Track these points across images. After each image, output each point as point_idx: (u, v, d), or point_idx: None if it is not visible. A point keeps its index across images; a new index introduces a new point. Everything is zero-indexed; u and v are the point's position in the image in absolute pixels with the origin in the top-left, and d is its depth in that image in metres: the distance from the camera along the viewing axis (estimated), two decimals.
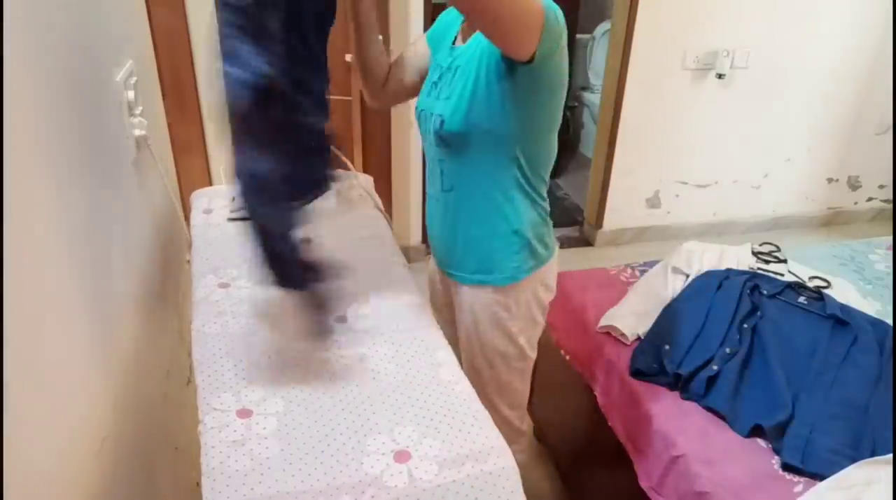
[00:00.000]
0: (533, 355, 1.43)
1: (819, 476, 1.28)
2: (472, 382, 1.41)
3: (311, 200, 1.02)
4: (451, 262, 1.38)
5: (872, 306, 1.84)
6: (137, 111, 1.36)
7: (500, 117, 1.16)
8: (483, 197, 1.25)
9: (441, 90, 1.24)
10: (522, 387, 1.46)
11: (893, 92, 3.26)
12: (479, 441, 0.94)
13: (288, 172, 0.91)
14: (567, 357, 1.82)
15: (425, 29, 1.86)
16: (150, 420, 1.25)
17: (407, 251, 1.53)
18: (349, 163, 1.68)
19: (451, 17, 1.33)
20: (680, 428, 1.42)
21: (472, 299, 1.35)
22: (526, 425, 1.56)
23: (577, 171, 4.23)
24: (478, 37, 1.18)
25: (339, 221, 1.48)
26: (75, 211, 0.97)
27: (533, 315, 1.37)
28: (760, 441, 1.39)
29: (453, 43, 1.28)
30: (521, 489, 0.90)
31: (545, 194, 1.32)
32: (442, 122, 1.21)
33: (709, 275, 1.85)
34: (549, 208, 1.35)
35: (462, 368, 1.42)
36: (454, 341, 1.53)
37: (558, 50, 1.12)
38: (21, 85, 0.79)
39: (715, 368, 1.52)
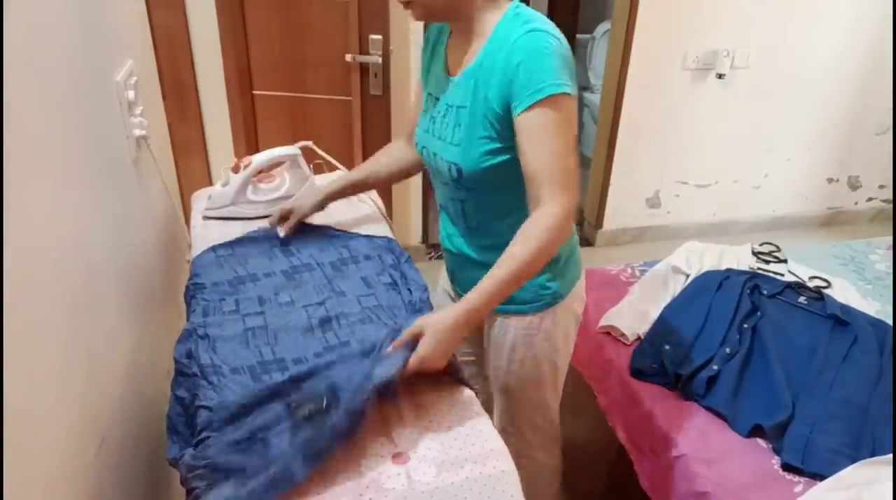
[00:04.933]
0: (565, 366, 1.38)
1: (819, 476, 1.28)
2: (503, 403, 1.39)
3: None
4: None
5: (872, 306, 1.84)
6: (137, 111, 1.36)
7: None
8: (514, 231, 1.08)
9: (444, 130, 1.16)
10: (554, 399, 1.41)
11: (893, 92, 3.26)
12: (478, 444, 0.93)
13: None
14: None
15: (424, 29, 1.86)
16: (150, 420, 1.26)
17: (407, 250, 1.53)
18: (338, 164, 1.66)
19: (433, 34, 1.24)
20: (680, 428, 1.42)
21: (507, 326, 1.28)
22: (559, 432, 1.51)
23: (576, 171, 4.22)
24: (474, 72, 1.10)
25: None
26: (75, 211, 0.97)
27: (568, 331, 1.33)
28: (760, 441, 1.39)
29: (446, 69, 1.19)
30: (520, 494, 0.89)
31: None
32: (459, 170, 1.14)
33: (709, 275, 1.85)
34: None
35: (491, 387, 1.39)
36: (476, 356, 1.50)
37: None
38: (21, 85, 0.79)
39: (715, 368, 1.52)
